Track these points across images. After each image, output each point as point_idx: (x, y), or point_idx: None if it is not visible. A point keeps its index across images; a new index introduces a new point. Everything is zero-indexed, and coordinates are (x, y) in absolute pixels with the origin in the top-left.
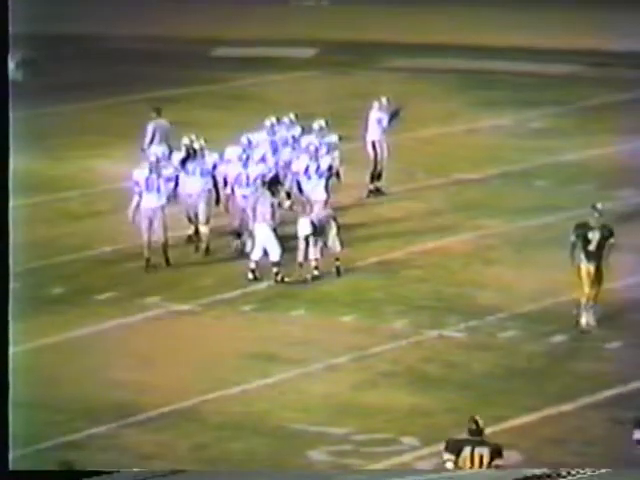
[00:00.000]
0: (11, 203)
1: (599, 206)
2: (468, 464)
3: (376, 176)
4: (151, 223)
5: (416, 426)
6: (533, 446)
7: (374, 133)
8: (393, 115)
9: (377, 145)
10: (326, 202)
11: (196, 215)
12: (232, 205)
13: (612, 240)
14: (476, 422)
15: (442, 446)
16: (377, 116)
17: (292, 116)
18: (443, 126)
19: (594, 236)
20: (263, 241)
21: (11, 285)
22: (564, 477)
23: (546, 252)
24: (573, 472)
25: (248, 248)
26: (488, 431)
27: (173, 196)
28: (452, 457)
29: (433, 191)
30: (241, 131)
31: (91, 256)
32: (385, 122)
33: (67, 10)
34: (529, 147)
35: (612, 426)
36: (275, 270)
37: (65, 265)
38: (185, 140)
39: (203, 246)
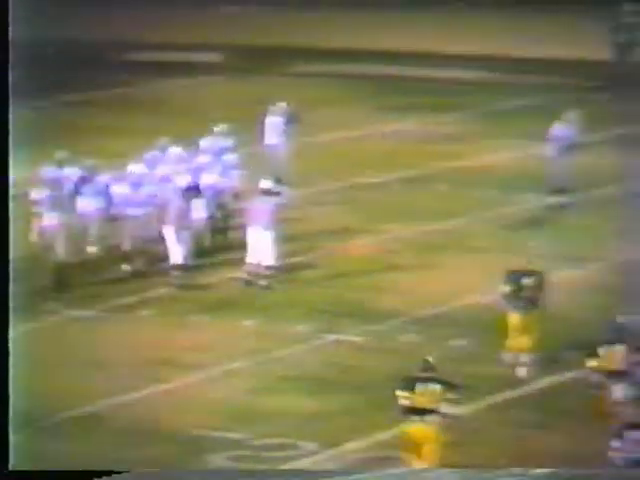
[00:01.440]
0: None
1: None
2: (421, 400)
3: (277, 180)
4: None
5: (315, 430)
6: None
7: (271, 138)
8: (290, 120)
9: (275, 149)
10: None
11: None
12: (124, 226)
13: (545, 288)
14: (427, 361)
15: (340, 450)
16: (274, 121)
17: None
18: (346, 131)
19: (527, 283)
20: (171, 244)
21: None
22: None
23: (447, 256)
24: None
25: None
26: (387, 435)
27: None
28: (407, 394)
29: (335, 195)
30: (149, 136)
31: None
32: (282, 127)
33: None
34: (432, 151)
35: (508, 428)
36: (175, 274)
37: None
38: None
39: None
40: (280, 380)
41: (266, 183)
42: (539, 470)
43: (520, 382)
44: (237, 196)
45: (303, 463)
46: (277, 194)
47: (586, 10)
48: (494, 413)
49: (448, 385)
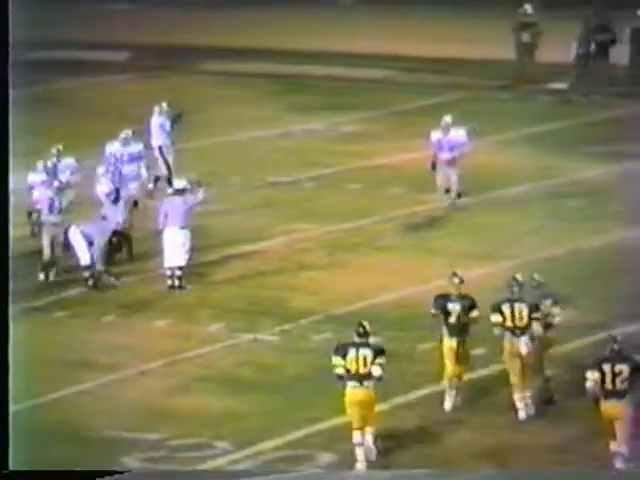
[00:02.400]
0: None
1: (519, 278)
2: (354, 365)
3: (166, 181)
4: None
5: (229, 430)
6: (348, 447)
7: (159, 138)
8: (175, 119)
9: (164, 150)
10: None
11: None
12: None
13: (475, 313)
14: (363, 327)
15: (255, 449)
16: (159, 121)
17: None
18: (257, 130)
19: (454, 308)
20: (82, 246)
21: None
22: None
23: (359, 255)
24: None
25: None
26: (302, 433)
27: None
28: (340, 360)
29: (247, 195)
30: (55, 137)
31: None
32: (167, 126)
33: None
34: (342, 151)
35: (423, 425)
36: (86, 275)
37: None
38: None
39: None
40: (195, 380)
41: (179, 183)
42: (539, 470)
43: (436, 378)
44: (151, 197)
45: (217, 463)
46: (190, 194)
47: (489, 10)
48: (408, 410)
49: (378, 350)
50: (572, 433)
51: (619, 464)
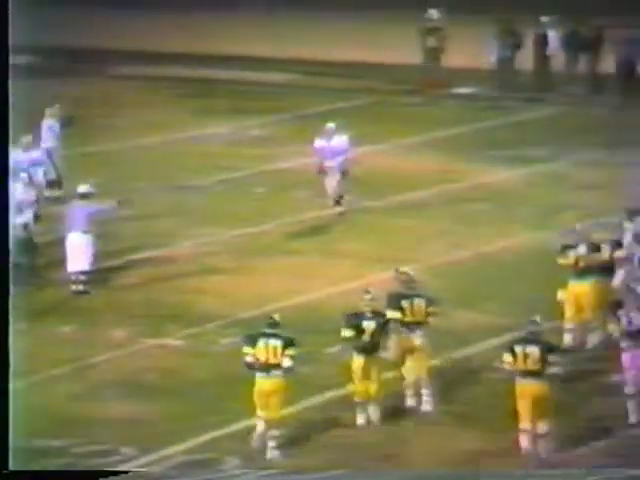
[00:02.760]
0: None
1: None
2: (264, 355)
3: (56, 184)
4: None
5: (135, 435)
6: (252, 450)
7: (48, 140)
8: (65, 123)
9: (53, 153)
10: None
11: None
12: None
13: (387, 331)
14: (273, 318)
15: (161, 454)
16: (49, 123)
17: None
18: (164, 134)
19: (369, 326)
20: None
21: None
22: None
23: (266, 258)
24: None
25: None
26: (208, 437)
27: None
28: (249, 349)
29: (154, 199)
30: None
31: None
32: (57, 129)
33: None
34: (248, 155)
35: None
36: None
37: None
38: None
39: None
40: (100, 386)
41: (83, 187)
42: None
43: (341, 383)
44: (59, 201)
45: (123, 468)
46: (94, 198)
47: (396, 15)
48: (316, 413)
49: (288, 341)
50: (476, 435)
51: (524, 442)
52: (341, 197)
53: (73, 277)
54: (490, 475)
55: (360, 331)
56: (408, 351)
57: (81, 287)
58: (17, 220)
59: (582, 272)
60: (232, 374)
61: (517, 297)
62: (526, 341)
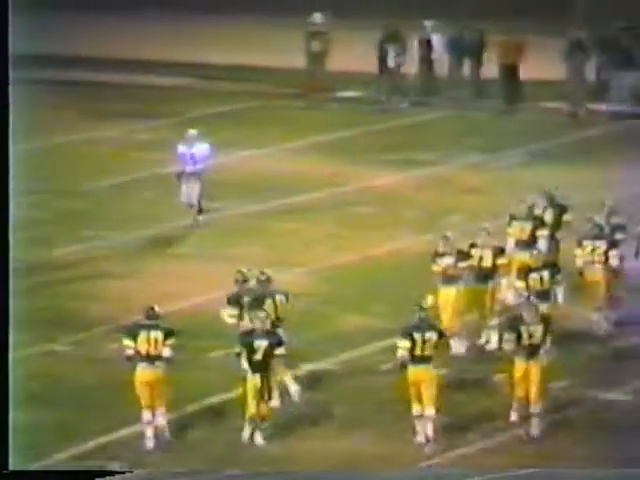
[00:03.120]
0: None
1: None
2: (145, 346)
3: None
4: None
5: (20, 444)
6: (137, 457)
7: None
8: None
9: None
10: None
11: None
12: None
13: (280, 350)
14: (152, 309)
15: (47, 462)
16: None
17: None
18: (53, 137)
19: (260, 345)
20: None
21: None
22: None
23: (154, 262)
24: None
25: None
26: (93, 444)
27: None
28: (130, 342)
29: (43, 203)
30: None
31: None
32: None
33: None
34: (137, 158)
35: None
36: None
37: None
38: None
39: None
40: None
41: None
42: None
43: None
44: None
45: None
46: None
47: (282, 18)
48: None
49: (168, 331)
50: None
51: (419, 426)
52: (201, 209)
53: None
54: (490, 475)
55: (251, 350)
56: None
57: None
58: None
59: (449, 279)
60: (118, 380)
61: (403, 300)
62: (424, 327)
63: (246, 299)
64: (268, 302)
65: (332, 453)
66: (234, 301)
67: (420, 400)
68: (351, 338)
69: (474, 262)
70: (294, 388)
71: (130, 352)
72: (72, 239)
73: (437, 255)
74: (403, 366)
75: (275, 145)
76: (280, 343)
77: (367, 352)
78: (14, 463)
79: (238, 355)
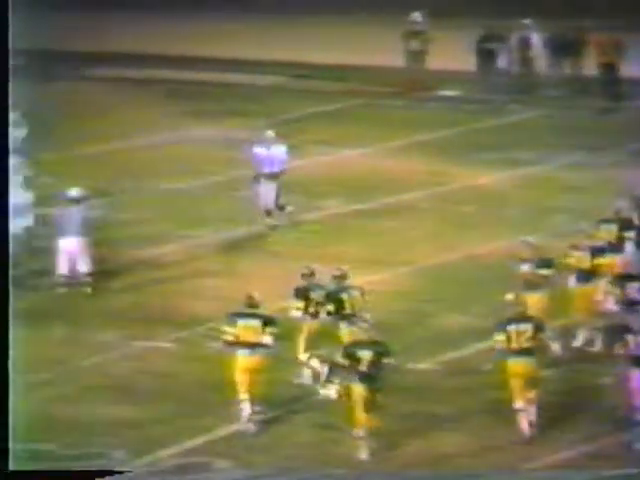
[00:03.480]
0: None
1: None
2: (244, 334)
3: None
4: None
5: (125, 438)
6: (244, 454)
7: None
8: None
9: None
10: None
11: None
12: None
13: (389, 359)
14: (252, 297)
15: (151, 458)
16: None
17: None
18: (149, 136)
19: (364, 355)
20: None
21: None
22: None
23: (254, 260)
24: None
25: None
26: (199, 441)
27: None
28: (230, 329)
29: (140, 202)
30: None
31: None
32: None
33: None
34: (234, 158)
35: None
36: None
37: None
38: None
39: None
40: (89, 389)
41: (74, 191)
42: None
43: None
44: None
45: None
46: (85, 201)
47: (379, 17)
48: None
49: (268, 319)
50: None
51: (523, 422)
52: (283, 207)
53: (65, 280)
54: (490, 475)
55: (356, 360)
56: None
57: (74, 290)
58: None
59: (531, 285)
60: (222, 378)
61: (504, 300)
62: (519, 320)
63: (316, 293)
64: (343, 297)
65: (434, 453)
66: (301, 294)
67: (520, 392)
68: (453, 338)
69: (573, 263)
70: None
71: (229, 338)
72: (171, 237)
73: (520, 261)
74: (499, 359)
75: (375, 144)
76: (386, 353)
77: (468, 352)
78: (14, 463)
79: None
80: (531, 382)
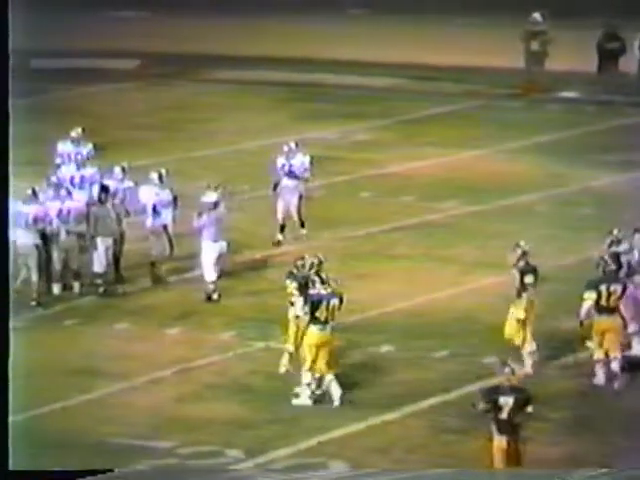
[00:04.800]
0: None
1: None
2: (324, 314)
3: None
4: None
5: (241, 438)
6: (358, 456)
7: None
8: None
9: None
10: None
11: None
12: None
13: (529, 409)
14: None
15: (266, 457)
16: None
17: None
18: (267, 138)
19: (506, 402)
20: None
21: None
22: None
23: (371, 263)
24: None
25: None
26: (311, 443)
27: None
28: (307, 308)
29: (259, 202)
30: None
31: None
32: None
33: None
34: (353, 159)
35: (433, 433)
36: (98, 282)
37: None
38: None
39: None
40: (206, 388)
41: (211, 196)
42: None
43: (447, 388)
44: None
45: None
46: (219, 205)
47: (499, 18)
48: (417, 419)
49: (341, 296)
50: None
51: (599, 369)
52: (303, 223)
53: (211, 287)
54: (490, 475)
55: (497, 407)
56: None
57: (215, 296)
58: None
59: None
60: (337, 377)
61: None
62: (609, 280)
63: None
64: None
65: (551, 457)
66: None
67: (602, 346)
68: (569, 341)
69: None
70: (337, 392)
71: (307, 318)
72: (289, 239)
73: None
74: (580, 322)
75: (493, 146)
76: (528, 400)
77: (584, 357)
78: (14, 463)
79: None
80: (615, 337)
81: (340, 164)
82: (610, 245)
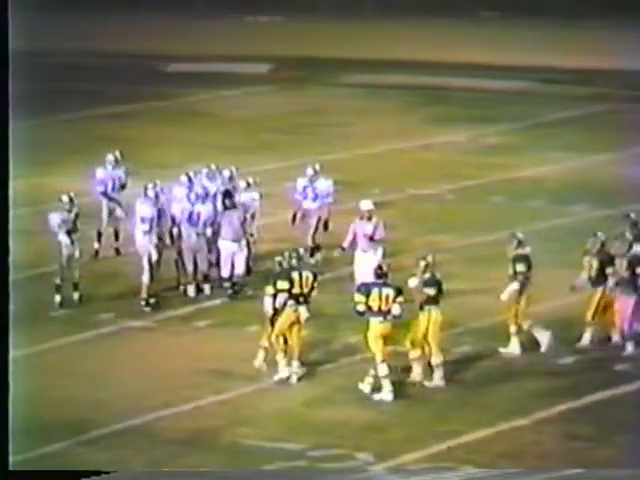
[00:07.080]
0: None
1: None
2: (377, 302)
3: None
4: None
5: (371, 441)
6: (488, 461)
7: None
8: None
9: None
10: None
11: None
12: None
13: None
14: (381, 267)
15: (397, 461)
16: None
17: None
18: (398, 142)
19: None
20: (228, 257)
21: None
22: None
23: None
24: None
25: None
26: (443, 446)
27: None
28: (362, 298)
29: (388, 207)
30: (195, 149)
31: (44, 273)
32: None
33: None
34: (483, 163)
35: (565, 440)
36: (228, 285)
37: (18, 282)
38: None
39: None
40: (336, 391)
41: (367, 204)
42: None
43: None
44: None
45: (359, 475)
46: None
47: (629, 20)
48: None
49: (398, 290)
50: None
51: (616, 337)
52: (316, 248)
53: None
54: (491, 475)
55: None
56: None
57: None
58: None
59: None
60: (465, 383)
61: None
62: None
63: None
64: (294, 276)
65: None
66: (285, 276)
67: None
68: None
69: None
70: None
71: (361, 308)
72: (417, 242)
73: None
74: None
75: (622, 150)
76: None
77: None
78: (14, 463)
79: None
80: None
81: (470, 168)
82: None
